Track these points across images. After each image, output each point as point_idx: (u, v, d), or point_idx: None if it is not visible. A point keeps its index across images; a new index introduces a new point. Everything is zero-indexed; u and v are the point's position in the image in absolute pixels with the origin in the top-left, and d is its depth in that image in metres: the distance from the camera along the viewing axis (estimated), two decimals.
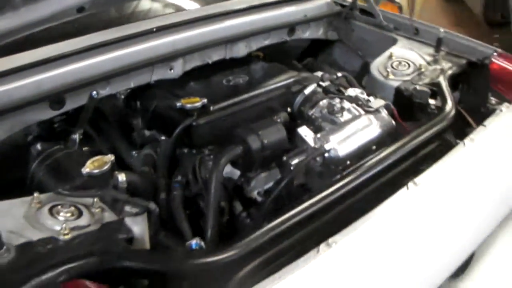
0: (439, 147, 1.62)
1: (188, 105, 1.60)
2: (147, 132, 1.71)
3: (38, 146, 1.53)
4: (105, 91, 1.64)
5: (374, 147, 1.62)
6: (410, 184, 1.38)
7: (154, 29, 1.71)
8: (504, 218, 1.51)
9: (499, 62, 1.82)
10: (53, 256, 1.15)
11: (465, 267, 1.43)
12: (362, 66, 2.15)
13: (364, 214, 1.28)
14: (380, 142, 1.63)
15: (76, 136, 1.62)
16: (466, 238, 1.41)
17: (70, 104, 1.60)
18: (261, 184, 1.61)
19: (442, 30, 1.96)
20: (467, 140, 1.53)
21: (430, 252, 1.31)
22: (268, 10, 1.96)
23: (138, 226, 1.32)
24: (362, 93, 1.80)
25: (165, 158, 1.61)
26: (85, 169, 1.38)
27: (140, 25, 1.71)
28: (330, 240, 1.21)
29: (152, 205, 1.36)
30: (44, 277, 1.08)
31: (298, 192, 1.54)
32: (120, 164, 1.53)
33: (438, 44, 1.96)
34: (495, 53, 1.86)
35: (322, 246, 1.20)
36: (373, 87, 1.87)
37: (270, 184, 1.63)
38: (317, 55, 2.33)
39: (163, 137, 1.66)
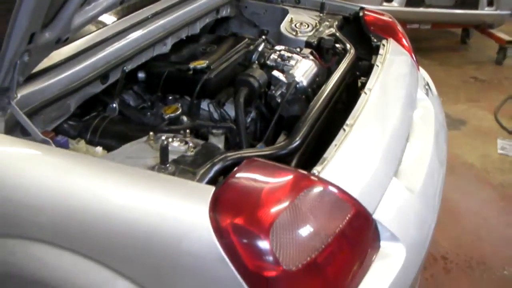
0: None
1: (198, 66, 2.19)
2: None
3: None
4: (129, 66, 2.16)
5: (317, 79, 2.37)
6: (365, 90, 2.01)
7: (149, 16, 2.26)
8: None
9: (371, 14, 2.68)
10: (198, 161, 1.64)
11: None
12: (260, 33, 2.87)
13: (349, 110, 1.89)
14: (318, 75, 2.39)
15: (116, 105, 2.13)
16: None
17: (111, 79, 2.09)
18: None
19: None
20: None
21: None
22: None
23: (221, 144, 1.93)
24: (285, 49, 2.53)
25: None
26: (166, 115, 1.94)
27: (142, 13, 2.25)
28: (348, 122, 1.75)
29: (233, 125, 1.97)
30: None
31: None
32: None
33: (322, 7, 2.78)
34: (362, 9, 2.74)
35: (345, 127, 1.71)
36: (287, 44, 2.59)
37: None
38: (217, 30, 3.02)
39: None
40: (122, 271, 1.36)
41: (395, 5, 5.32)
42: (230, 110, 2.17)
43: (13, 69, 1.50)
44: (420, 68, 2.68)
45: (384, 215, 1.57)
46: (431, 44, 6.30)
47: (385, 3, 5.29)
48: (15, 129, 1.60)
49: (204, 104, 2.16)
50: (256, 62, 2.34)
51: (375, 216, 1.53)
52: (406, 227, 1.65)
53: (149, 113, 2.17)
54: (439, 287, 2.87)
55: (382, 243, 1.55)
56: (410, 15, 5.41)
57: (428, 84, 2.49)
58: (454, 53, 6.15)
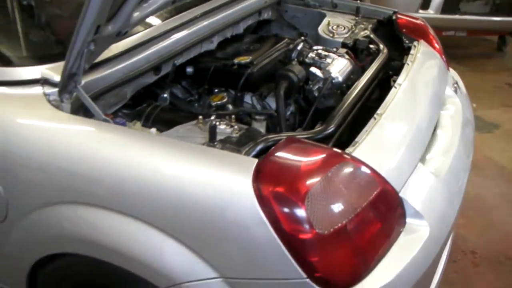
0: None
1: (242, 61, 2.39)
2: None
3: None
4: (179, 60, 2.36)
5: (352, 76, 2.55)
6: (395, 85, 2.19)
7: (198, 15, 2.47)
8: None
9: (403, 17, 2.85)
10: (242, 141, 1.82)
11: None
12: (299, 35, 3.06)
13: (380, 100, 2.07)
14: (353, 72, 2.57)
15: (167, 95, 2.34)
16: None
17: (163, 71, 2.29)
18: None
19: (357, 1, 2.97)
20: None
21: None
22: (247, 1, 2.80)
23: (263, 129, 2.12)
24: (322, 48, 2.71)
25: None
26: (213, 102, 2.14)
27: (191, 13, 2.46)
28: (378, 112, 1.92)
29: (274, 112, 2.16)
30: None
31: None
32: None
33: (357, 11, 2.95)
34: (395, 13, 2.91)
35: (375, 116, 1.88)
36: (324, 45, 2.76)
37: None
38: (259, 32, 3.22)
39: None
40: (172, 233, 1.55)
41: (430, 12, 5.45)
42: (271, 103, 2.36)
43: (80, 57, 1.70)
44: (451, 69, 2.83)
45: (409, 195, 1.74)
46: (467, 51, 6.40)
47: (421, 10, 5.42)
48: (79, 111, 1.80)
49: (247, 97, 2.35)
50: (296, 59, 2.52)
51: (401, 195, 1.69)
52: (430, 207, 1.80)
53: (196, 104, 2.37)
54: (467, 280, 2.98)
55: (407, 219, 1.71)
56: (445, 22, 5.52)
57: (457, 83, 2.64)
58: (489, 60, 6.24)
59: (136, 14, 1.90)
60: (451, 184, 2.00)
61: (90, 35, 1.65)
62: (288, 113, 2.35)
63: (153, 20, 2.31)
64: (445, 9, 5.51)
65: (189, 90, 2.51)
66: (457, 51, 6.18)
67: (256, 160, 1.49)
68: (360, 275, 1.52)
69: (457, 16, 5.58)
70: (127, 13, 1.80)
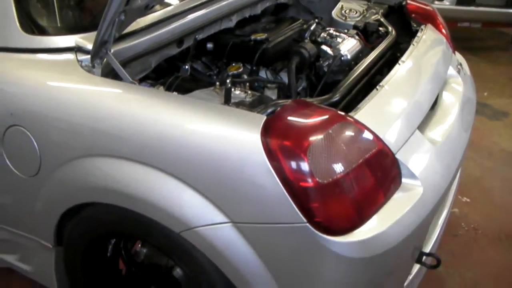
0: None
1: (258, 38, 2.58)
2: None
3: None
4: (201, 36, 2.56)
5: (360, 55, 2.73)
6: (399, 62, 2.38)
7: None
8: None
9: (413, 3, 3.02)
10: (255, 105, 2.03)
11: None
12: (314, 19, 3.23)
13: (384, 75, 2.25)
14: (362, 52, 2.75)
15: (187, 67, 2.53)
16: None
17: (185, 44, 2.49)
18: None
19: None
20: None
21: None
22: None
23: (274, 97, 2.32)
24: (334, 29, 2.89)
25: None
26: (230, 71, 2.34)
27: None
28: (381, 84, 2.07)
29: (285, 82, 2.35)
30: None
31: None
32: None
33: None
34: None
35: (378, 87, 2.03)
36: (336, 27, 2.94)
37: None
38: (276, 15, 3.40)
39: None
40: (189, 182, 1.74)
41: (446, 4, 5.57)
42: (283, 77, 2.55)
43: (112, 26, 1.90)
44: (457, 53, 2.99)
45: (405, 157, 1.90)
46: (482, 44, 6.51)
47: (436, 2, 5.54)
48: (109, 76, 2.00)
49: (262, 72, 2.54)
50: (308, 38, 2.71)
51: (397, 156, 1.87)
52: (424, 170, 1.95)
53: (215, 77, 2.57)
54: (468, 253, 3.15)
55: (403, 179, 1.88)
56: (460, 13, 5.63)
57: (461, 65, 2.80)
58: (504, 53, 6.35)
59: None
60: (447, 153, 2.16)
61: (122, 6, 1.84)
62: (300, 88, 2.54)
63: None
64: (460, 0, 5.63)
65: (209, 66, 2.70)
66: (472, 43, 6.32)
67: (264, 117, 1.67)
68: (355, 224, 1.69)
69: (472, 8, 5.69)
70: None
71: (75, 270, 2.21)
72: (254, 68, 2.49)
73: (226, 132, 1.70)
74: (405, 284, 2.04)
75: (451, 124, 2.29)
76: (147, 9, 2.08)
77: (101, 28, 1.88)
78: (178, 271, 2.07)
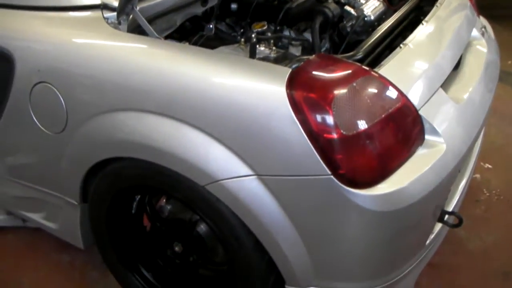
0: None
1: None
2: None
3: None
4: None
5: (384, 16, 2.72)
6: (423, 22, 2.40)
7: None
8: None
9: None
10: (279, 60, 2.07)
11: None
12: None
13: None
14: (385, 14, 2.74)
15: (212, 26, 2.54)
16: None
17: (210, 3, 2.50)
18: None
19: None
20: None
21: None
22: None
23: (298, 53, 2.33)
24: None
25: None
26: (255, 29, 2.35)
27: None
28: (404, 42, 2.04)
29: (308, 39, 2.35)
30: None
31: None
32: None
33: None
34: None
35: (401, 45, 2.01)
36: None
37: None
38: None
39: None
40: (215, 135, 1.76)
41: None
42: (308, 38, 2.55)
43: None
44: (481, 17, 2.97)
45: (429, 113, 1.90)
46: (505, 12, 6.43)
47: None
48: (134, 32, 2.02)
49: (286, 32, 2.55)
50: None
51: (421, 112, 1.87)
52: (447, 127, 1.95)
53: (239, 37, 2.58)
54: (489, 217, 3.16)
55: (426, 136, 1.89)
56: None
57: (485, 27, 2.79)
58: None
59: None
60: (470, 111, 2.16)
61: None
62: (323, 49, 2.54)
63: None
64: None
65: (233, 27, 2.71)
66: (496, 11, 6.21)
67: (289, 70, 1.69)
68: (378, 177, 1.71)
69: None
70: None
71: (100, 227, 2.25)
72: (278, 27, 2.48)
73: (251, 85, 1.71)
74: (427, 242, 2.05)
75: (475, 84, 2.29)
76: None
77: None
78: (202, 227, 2.10)
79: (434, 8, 2.48)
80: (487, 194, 3.32)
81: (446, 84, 2.17)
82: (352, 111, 1.67)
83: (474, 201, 3.21)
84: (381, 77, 1.79)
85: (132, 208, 2.21)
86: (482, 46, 2.63)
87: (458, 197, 2.35)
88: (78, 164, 2.09)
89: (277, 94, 1.65)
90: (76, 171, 2.12)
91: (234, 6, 2.63)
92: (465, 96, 2.18)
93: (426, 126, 1.87)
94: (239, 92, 1.71)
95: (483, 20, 3.00)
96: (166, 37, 2.26)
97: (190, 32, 2.46)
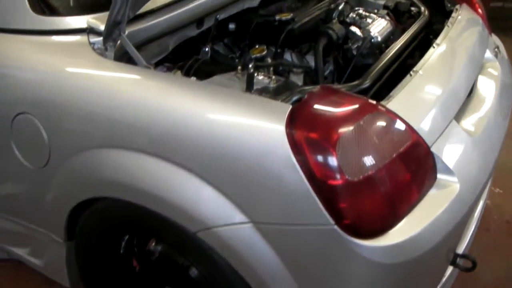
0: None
1: (284, 18, 2.42)
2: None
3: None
4: (222, 15, 2.40)
5: (391, 37, 2.56)
6: (434, 44, 2.18)
7: None
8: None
9: None
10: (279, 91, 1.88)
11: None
12: None
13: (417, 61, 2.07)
14: (393, 34, 2.58)
15: (208, 49, 2.38)
16: None
17: (206, 25, 2.33)
18: None
19: None
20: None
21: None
22: None
23: (300, 82, 2.16)
24: (363, 9, 2.72)
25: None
26: (253, 54, 2.18)
27: None
28: (415, 69, 1.90)
29: (312, 66, 2.19)
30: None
31: None
32: None
33: None
34: None
35: (411, 73, 1.88)
36: (366, 7, 2.77)
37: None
38: None
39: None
40: (208, 178, 1.60)
41: None
42: (310, 60, 2.40)
43: (125, 5, 1.76)
44: (493, 35, 2.81)
45: (441, 150, 1.75)
46: None
47: None
48: (122, 59, 1.86)
49: (287, 55, 2.38)
50: (336, 18, 2.54)
51: (433, 150, 1.71)
52: (461, 165, 1.80)
53: (237, 60, 2.41)
54: (499, 248, 2.99)
55: (438, 175, 1.73)
56: None
57: (498, 48, 2.63)
58: None
59: None
60: (485, 144, 2.01)
61: None
62: (327, 71, 2.38)
63: None
64: None
65: (231, 48, 2.55)
66: (505, 23, 6.06)
67: (290, 106, 1.53)
68: (387, 225, 1.55)
69: None
70: None
71: (87, 266, 2.09)
72: (278, 50, 2.32)
73: (248, 123, 1.55)
74: (438, 287, 1.89)
75: (489, 113, 2.14)
76: None
77: (114, 8, 1.75)
78: (194, 271, 1.93)
79: (445, 28, 2.33)
80: (498, 221, 3.16)
81: (459, 114, 2.02)
82: (358, 153, 1.51)
83: (485, 230, 3.05)
84: (389, 112, 1.63)
85: (120, 247, 2.05)
86: (495, 69, 2.47)
87: (471, 233, 2.18)
88: (62, 202, 1.95)
89: (275, 133, 1.50)
90: (60, 209, 1.97)
91: (232, 26, 2.47)
92: (480, 127, 2.03)
93: (439, 164, 1.71)
94: (234, 131, 1.56)
95: (495, 39, 2.84)
96: (158, 62, 2.08)
97: (185, 53, 2.29)
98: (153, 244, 1.99)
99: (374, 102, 1.65)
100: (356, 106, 1.59)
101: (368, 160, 1.52)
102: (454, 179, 1.73)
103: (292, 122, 1.49)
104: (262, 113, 1.57)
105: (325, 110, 1.57)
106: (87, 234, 2.00)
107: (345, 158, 1.48)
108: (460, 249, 2.04)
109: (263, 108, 1.58)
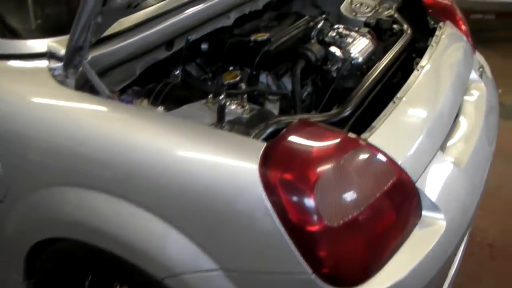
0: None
1: (259, 38, 2.29)
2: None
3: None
4: (194, 36, 2.26)
5: (373, 57, 2.44)
6: (418, 67, 2.05)
7: None
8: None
9: None
10: (253, 123, 1.75)
11: None
12: (321, 14, 2.93)
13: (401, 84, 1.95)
14: (375, 53, 2.46)
15: (179, 72, 2.25)
16: None
17: (176, 47, 2.20)
18: None
19: None
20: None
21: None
22: None
23: (276, 110, 2.03)
24: (343, 27, 2.60)
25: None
26: (226, 80, 2.05)
27: None
28: (398, 95, 1.81)
29: (288, 93, 2.06)
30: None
31: None
32: None
33: None
34: None
35: (395, 100, 1.78)
36: (346, 24, 2.64)
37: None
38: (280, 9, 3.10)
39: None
40: (174, 221, 1.47)
41: None
42: (287, 83, 2.27)
43: (87, 30, 1.62)
44: (477, 53, 2.71)
45: (427, 185, 1.64)
46: (494, 35, 6.20)
47: None
48: (85, 87, 1.72)
49: (263, 77, 2.25)
50: (315, 38, 2.42)
51: (417, 185, 1.60)
52: (448, 199, 1.70)
53: (210, 83, 2.28)
54: (484, 273, 2.90)
55: (423, 212, 1.62)
56: (474, 4, 5.32)
57: (482, 67, 2.53)
58: None
59: None
60: (472, 175, 1.91)
61: (98, 7, 1.57)
62: (305, 94, 2.26)
63: None
64: None
65: (204, 68, 2.42)
66: (484, 34, 6.00)
67: (264, 144, 1.40)
68: (370, 272, 1.43)
69: None
70: None
71: None
72: (254, 72, 2.19)
73: (218, 161, 1.43)
74: None
75: (475, 139, 2.04)
76: (129, 8, 1.79)
77: (74, 33, 1.61)
78: None
79: (429, 48, 2.22)
80: (482, 246, 3.06)
81: (444, 141, 1.90)
82: (338, 195, 1.39)
83: (468, 255, 2.92)
84: (371, 147, 1.52)
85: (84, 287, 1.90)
86: (480, 91, 2.38)
87: (456, 265, 2.07)
88: (20, 240, 1.80)
89: (248, 173, 1.38)
90: (19, 246, 1.82)
91: (204, 46, 2.34)
92: (466, 155, 1.92)
93: (424, 200, 1.60)
94: (203, 170, 1.43)
95: (479, 57, 2.74)
96: (123, 89, 1.94)
97: (154, 77, 2.15)
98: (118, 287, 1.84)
99: (355, 136, 1.52)
100: (336, 142, 1.47)
101: (349, 203, 1.41)
102: (440, 215, 1.63)
103: (266, 161, 1.37)
104: (233, 150, 1.44)
105: (302, 148, 1.45)
106: (47, 274, 1.86)
107: (324, 201, 1.36)
108: (446, 282, 1.92)
109: (235, 145, 1.46)
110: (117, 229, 1.55)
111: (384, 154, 1.52)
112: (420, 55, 2.24)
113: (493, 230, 3.17)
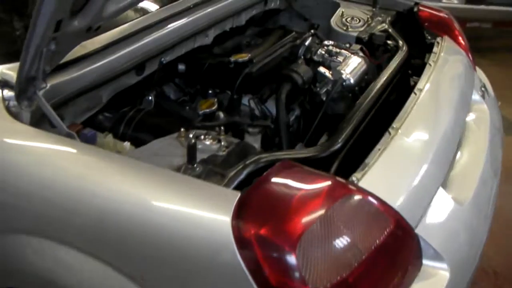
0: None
1: (240, 60, 2.09)
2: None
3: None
4: (168, 58, 2.06)
5: (366, 77, 2.23)
6: (415, 90, 1.86)
7: (192, 5, 2.16)
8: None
9: (426, 10, 2.53)
10: (230, 161, 1.55)
11: None
12: (309, 27, 2.74)
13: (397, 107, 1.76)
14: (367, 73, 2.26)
15: (151, 97, 2.04)
16: None
17: (147, 71, 2.00)
18: None
19: None
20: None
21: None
22: None
23: (257, 143, 1.82)
24: (333, 44, 2.40)
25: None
26: (201, 110, 1.84)
27: (184, 2, 2.14)
28: (394, 125, 1.63)
29: (271, 124, 1.85)
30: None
31: None
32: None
33: (374, 1, 2.63)
34: (417, 4, 2.59)
35: (390, 130, 1.60)
36: (336, 39, 2.46)
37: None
38: (266, 23, 2.90)
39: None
40: (136, 278, 1.29)
41: (454, 2, 5.11)
42: (272, 107, 2.08)
43: (39, 58, 1.42)
44: (477, 68, 2.52)
45: (428, 230, 1.46)
46: (491, 44, 6.04)
47: (444, 0, 5.07)
48: (44, 121, 1.53)
49: (245, 100, 2.06)
50: (302, 57, 2.23)
51: (417, 231, 1.41)
52: (452, 244, 1.53)
53: (187, 107, 2.08)
54: None
55: (424, 261, 1.43)
56: (470, 13, 5.18)
57: (484, 86, 2.34)
58: None
59: (111, 6, 1.60)
60: (477, 212, 1.72)
61: (49, 32, 1.37)
62: (292, 118, 2.06)
63: (139, 10, 2.02)
64: None
65: (183, 89, 2.22)
66: (481, 43, 5.82)
67: (238, 194, 1.20)
68: None
69: (483, 7, 5.22)
70: (99, 5, 1.52)
71: None
72: (235, 96, 1.99)
73: (186, 214, 1.24)
74: None
75: (480, 173, 1.84)
76: (90, 31, 1.58)
77: (24, 62, 1.41)
78: None
79: (427, 67, 2.02)
80: (486, 273, 2.86)
81: (446, 176, 1.70)
82: (325, 253, 1.19)
83: (473, 283, 2.73)
84: (364, 192, 1.31)
85: None
86: (483, 113, 2.18)
87: None
88: None
89: (219, 230, 1.18)
90: None
91: (182, 67, 2.14)
92: (470, 192, 1.72)
93: (425, 248, 1.39)
94: (169, 224, 1.24)
95: (480, 73, 2.54)
96: (89, 118, 1.75)
97: (123, 103, 1.95)
98: None
99: (345, 181, 1.32)
100: (324, 188, 1.27)
101: (338, 261, 1.20)
102: (443, 265, 1.45)
103: (240, 215, 1.17)
104: (203, 203, 1.25)
105: (283, 197, 1.25)
106: None
107: (308, 262, 1.16)
108: None
109: (205, 197, 1.27)
110: (78, 286, 1.37)
111: (378, 199, 1.32)
112: (417, 72, 2.08)
113: (497, 256, 2.97)
